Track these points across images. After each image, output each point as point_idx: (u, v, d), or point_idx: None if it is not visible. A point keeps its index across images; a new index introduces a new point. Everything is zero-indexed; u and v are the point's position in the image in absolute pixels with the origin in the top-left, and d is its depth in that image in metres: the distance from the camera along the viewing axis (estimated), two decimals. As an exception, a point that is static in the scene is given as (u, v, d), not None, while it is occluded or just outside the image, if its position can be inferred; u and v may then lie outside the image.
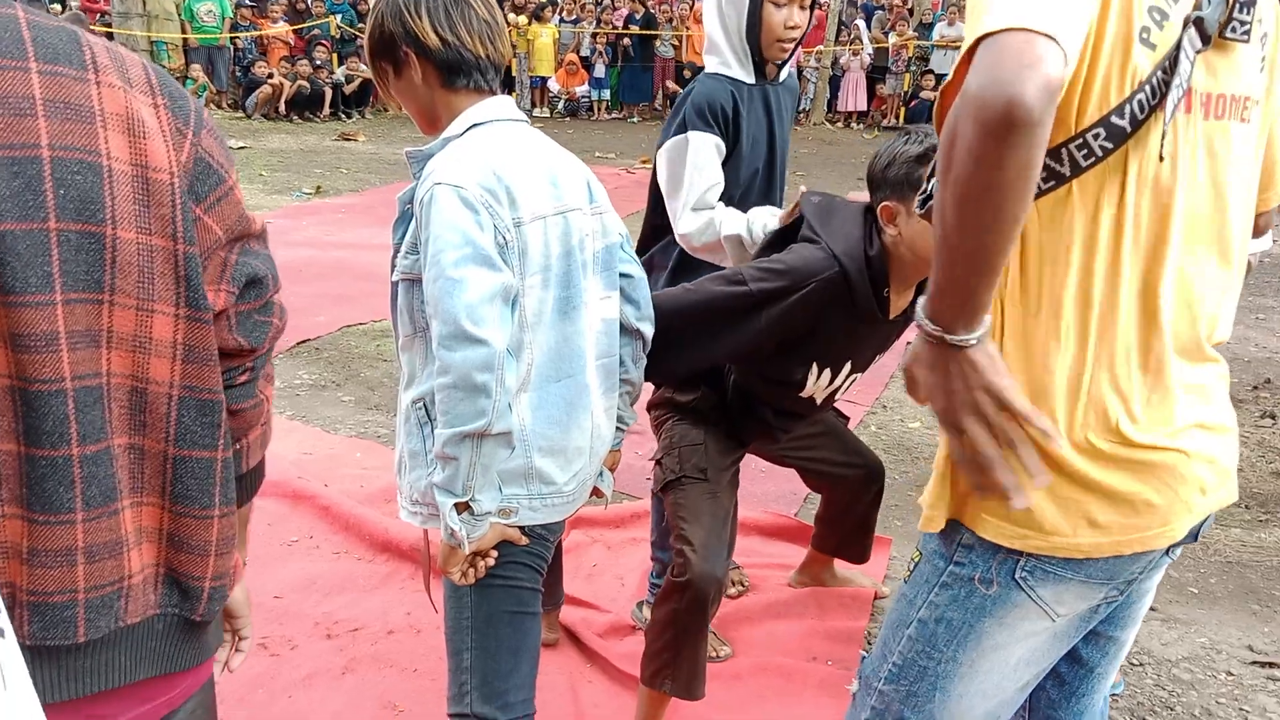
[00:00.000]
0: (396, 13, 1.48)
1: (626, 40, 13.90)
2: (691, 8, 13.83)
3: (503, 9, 13.61)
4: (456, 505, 1.43)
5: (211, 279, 0.94)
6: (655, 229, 2.22)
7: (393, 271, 1.52)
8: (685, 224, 2.03)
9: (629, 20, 14.10)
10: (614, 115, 14.19)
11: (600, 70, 13.95)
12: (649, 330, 1.72)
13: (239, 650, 1.16)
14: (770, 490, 3.21)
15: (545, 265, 1.50)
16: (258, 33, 12.85)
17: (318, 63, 12.56)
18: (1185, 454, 1.13)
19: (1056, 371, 1.10)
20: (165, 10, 12.13)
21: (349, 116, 12.62)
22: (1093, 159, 1.04)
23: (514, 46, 13.40)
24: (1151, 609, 2.06)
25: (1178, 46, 1.02)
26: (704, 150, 2.01)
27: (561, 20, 14.16)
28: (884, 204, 1.69)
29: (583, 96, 14.07)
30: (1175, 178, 1.07)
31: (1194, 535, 1.25)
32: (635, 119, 13.95)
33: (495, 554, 1.53)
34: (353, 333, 4.77)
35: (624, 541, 2.89)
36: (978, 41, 0.90)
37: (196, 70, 12.05)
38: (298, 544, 2.79)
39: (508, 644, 1.58)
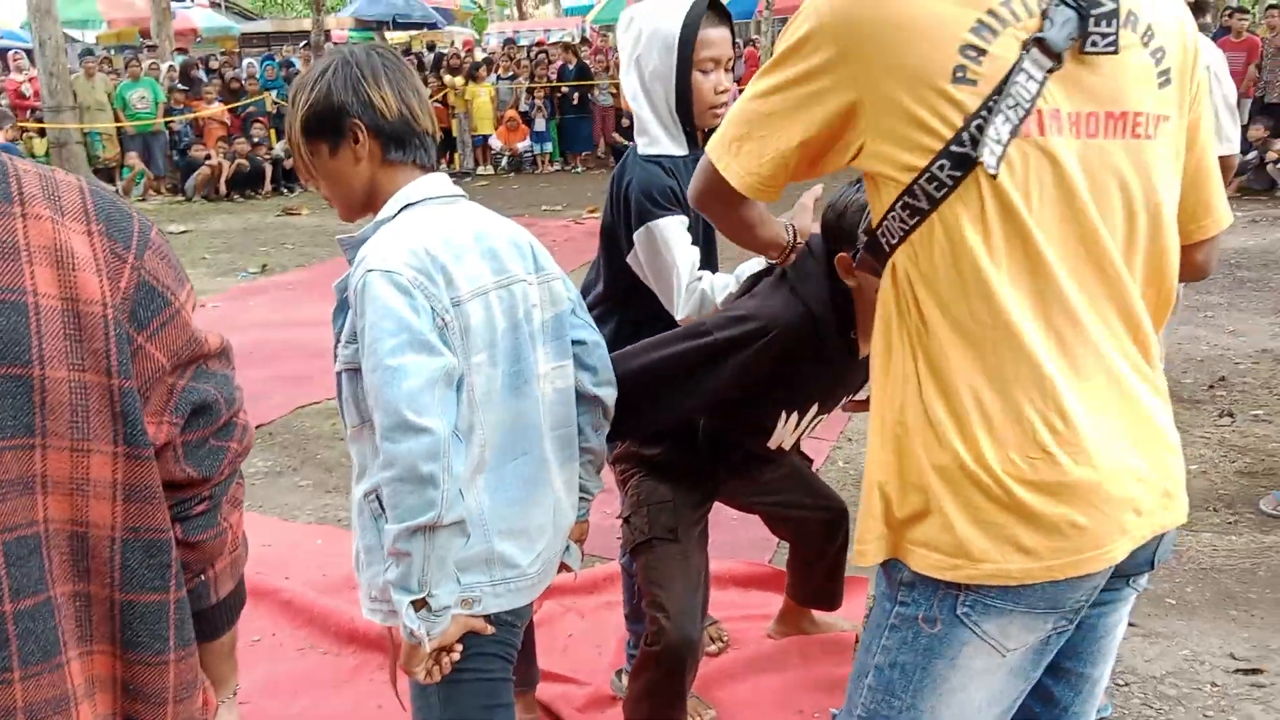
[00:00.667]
0: (348, 83, 1.44)
1: (564, 89, 14.01)
2: (625, 56, 13.92)
3: (438, 72, 13.76)
4: (414, 602, 1.38)
5: (155, 410, 0.89)
6: (601, 299, 2.14)
7: (335, 361, 1.48)
8: (683, 310, 1.94)
9: (563, 72, 14.23)
10: (558, 167, 14.27)
11: (540, 124, 14.05)
12: (610, 395, 1.67)
13: None
14: (743, 538, 3.17)
15: (491, 341, 1.47)
16: (193, 115, 12.77)
17: (255, 140, 12.52)
18: (1102, 470, 1.11)
19: (967, 395, 1.11)
20: (97, 101, 12.04)
21: (290, 190, 12.55)
22: (944, 189, 1.08)
23: (452, 108, 13.45)
24: (1131, 624, 2.04)
25: (1012, 71, 1.05)
26: (673, 230, 1.94)
27: (498, 78, 14.27)
28: (839, 255, 1.65)
29: (525, 151, 14.15)
30: (1032, 200, 1.08)
31: (1150, 562, 1.23)
32: (579, 169, 14.03)
33: (460, 648, 1.47)
34: (307, 413, 4.68)
35: (598, 607, 2.83)
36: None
37: (133, 158, 11.95)
38: (260, 643, 2.70)
39: (481, 742, 1.52)
